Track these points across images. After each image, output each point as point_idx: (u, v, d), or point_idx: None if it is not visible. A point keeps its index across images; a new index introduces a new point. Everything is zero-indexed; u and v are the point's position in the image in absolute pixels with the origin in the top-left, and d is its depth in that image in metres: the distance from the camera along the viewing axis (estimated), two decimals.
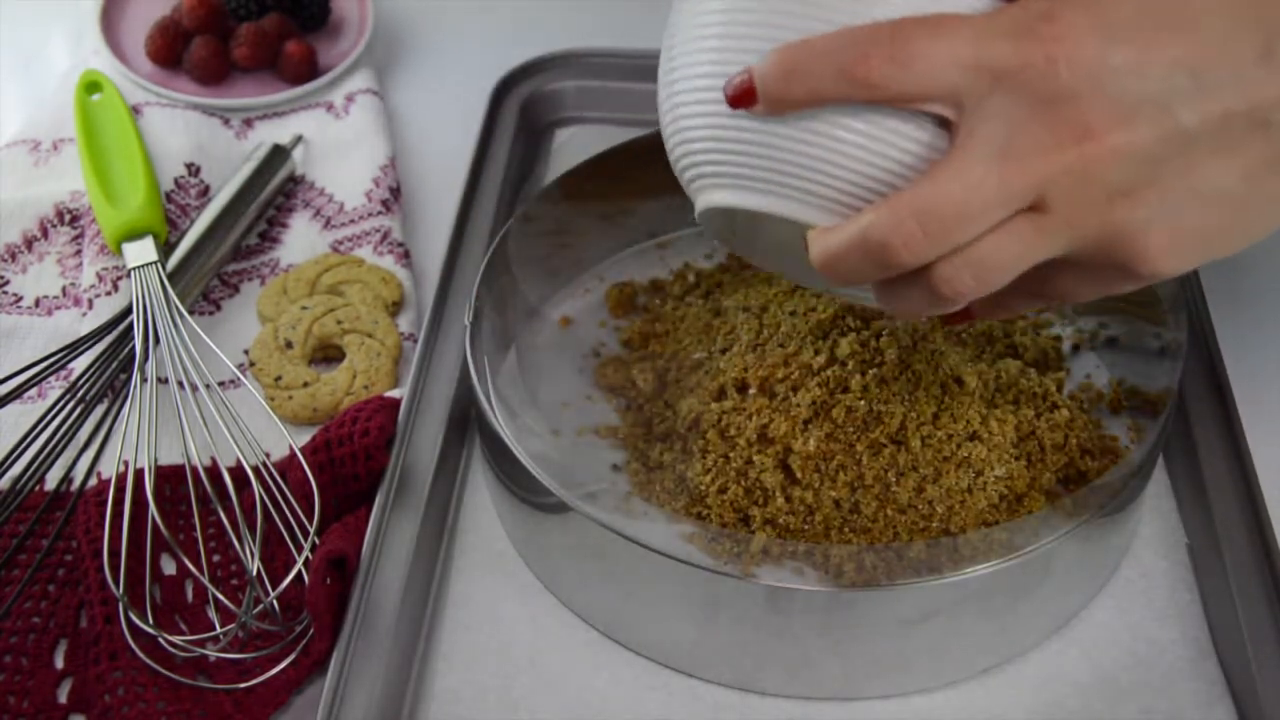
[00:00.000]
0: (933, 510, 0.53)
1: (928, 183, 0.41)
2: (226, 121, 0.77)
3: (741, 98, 0.42)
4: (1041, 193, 0.40)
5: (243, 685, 0.52)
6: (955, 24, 0.40)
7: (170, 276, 0.64)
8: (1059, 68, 0.39)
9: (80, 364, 0.63)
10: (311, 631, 0.53)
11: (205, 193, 0.72)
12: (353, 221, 0.71)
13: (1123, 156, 0.40)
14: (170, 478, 0.58)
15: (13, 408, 0.61)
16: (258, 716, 0.52)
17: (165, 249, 0.66)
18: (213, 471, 0.56)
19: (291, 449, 0.57)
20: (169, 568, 0.56)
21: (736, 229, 0.49)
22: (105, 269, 0.67)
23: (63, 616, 0.54)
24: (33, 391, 0.62)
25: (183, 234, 0.67)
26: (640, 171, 0.67)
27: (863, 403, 0.54)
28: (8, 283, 0.68)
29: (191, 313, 0.66)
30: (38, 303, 0.67)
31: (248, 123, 0.77)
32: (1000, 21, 0.40)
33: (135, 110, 0.75)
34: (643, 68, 0.76)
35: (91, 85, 0.75)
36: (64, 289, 0.68)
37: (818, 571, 0.51)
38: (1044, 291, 0.45)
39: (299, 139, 0.75)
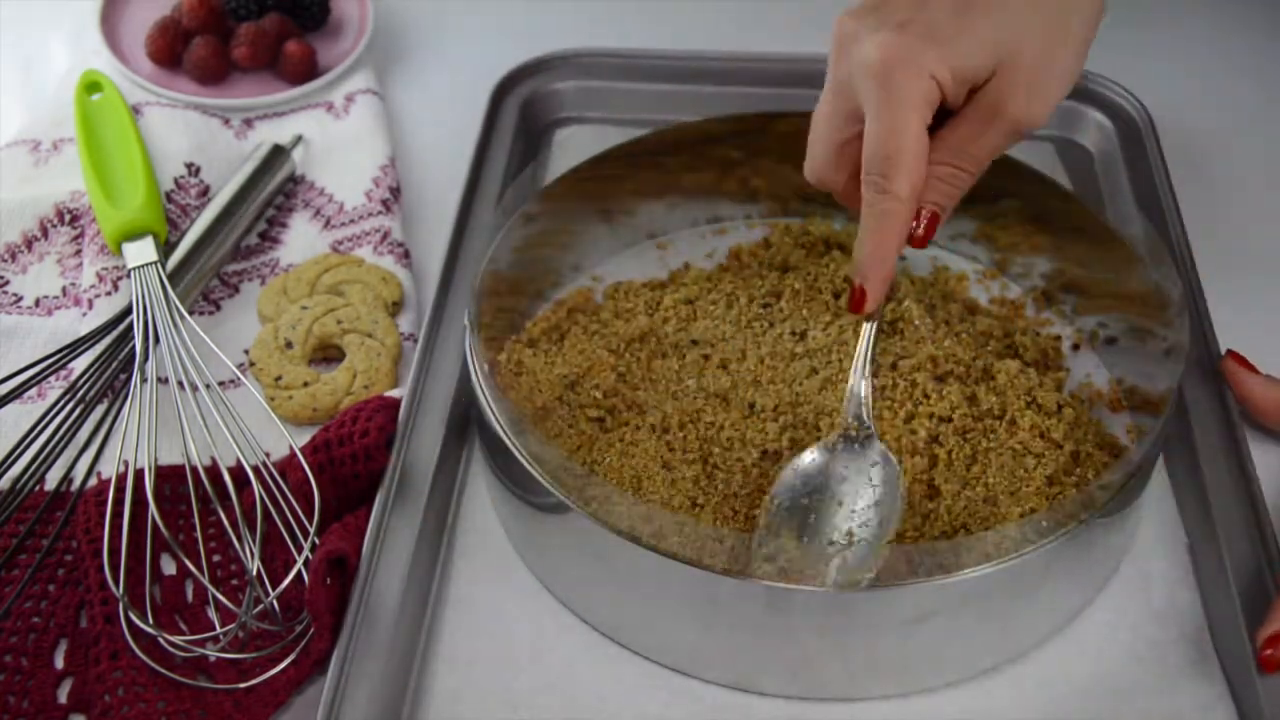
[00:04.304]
0: (932, 511, 0.53)
1: None
2: (226, 121, 0.77)
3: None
4: None
5: (243, 685, 0.52)
6: None
7: (170, 276, 0.64)
8: None
9: (80, 364, 0.63)
10: (311, 631, 0.53)
11: (205, 193, 0.72)
12: (353, 221, 0.71)
13: None
14: (170, 478, 0.58)
15: (13, 408, 0.61)
16: (258, 716, 0.52)
17: (165, 249, 0.66)
18: (213, 471, 0.56)
19: (291, 449, 0.57)
20: (169, 568, 0.56)
21: None
22: (105, 269, 0.67)
23: (63, 616, 0.54)
24: (33, 391, 0.62)
25: (183, 234, 0.67)
26: (640, 171, 0.67)
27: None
28: (8, 283, 0.68)
29: (191, 313, 0.66)
30: (38, 303, 0.67)
31: (248, 123, 0.77)
32: None
33: (135, 110, 0.75)
34: (643, 68, 0.76)
35: (91, 85, 0.75)
36: (64, 289, 0.68)
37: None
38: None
39: (299, 139, 0.75)
